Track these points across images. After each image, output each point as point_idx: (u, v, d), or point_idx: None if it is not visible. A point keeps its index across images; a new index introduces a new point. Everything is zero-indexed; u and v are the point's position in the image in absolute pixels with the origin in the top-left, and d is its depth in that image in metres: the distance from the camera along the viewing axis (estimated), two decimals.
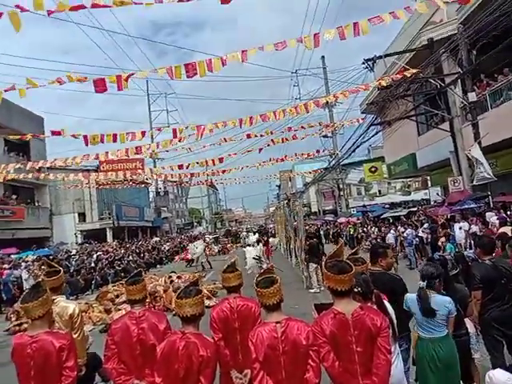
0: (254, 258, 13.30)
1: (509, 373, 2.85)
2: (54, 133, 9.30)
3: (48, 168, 27.98)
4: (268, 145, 15.34)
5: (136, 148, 10.73)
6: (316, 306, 3.37)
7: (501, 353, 4.29)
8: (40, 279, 3.55)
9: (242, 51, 6.29)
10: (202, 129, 9.37)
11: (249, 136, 14.09)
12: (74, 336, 3.69)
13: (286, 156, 19.86)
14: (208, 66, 6.18)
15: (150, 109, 44.57)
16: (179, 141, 10.79)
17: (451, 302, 3.52)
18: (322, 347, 2.66)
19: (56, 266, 4.27)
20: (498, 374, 2.85)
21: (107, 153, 11.24)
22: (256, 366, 2.64)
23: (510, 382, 2.75)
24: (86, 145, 8.45)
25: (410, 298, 3.65)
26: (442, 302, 3.50)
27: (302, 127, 15.19)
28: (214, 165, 15.85)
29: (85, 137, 8.72)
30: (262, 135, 14.02)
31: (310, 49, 6.20)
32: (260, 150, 15.64)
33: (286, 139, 14.91)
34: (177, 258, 26.99)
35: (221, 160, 15.27)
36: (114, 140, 8.89)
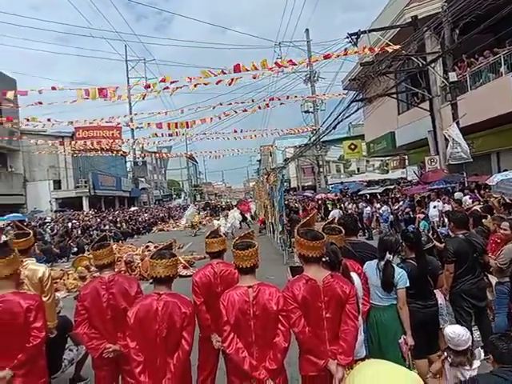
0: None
1: (463, 329, 3.09)
2: (21, 93, 8.93)
3: (21, 133, 27.13)
4: (249, 110, 15.14)
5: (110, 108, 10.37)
6: (291, 269, 3.40)
7: (468, 324, 4.47)
8: (7, 239, 3.47)
9: None
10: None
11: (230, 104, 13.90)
12: (44, 299, 3.61)
13: (268, 132, 19.72)
14: None
15: (128, 75, 43.13)
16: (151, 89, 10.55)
17: (405, 274, 3.54)
18: (293, 313, 2.68)
19: (25, 228, 4.19)
20: (451, 328, 3.04)
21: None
22: (226, 329, 2.67)
23: (465, 337, 2.97)
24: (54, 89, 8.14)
25: (369, 266, 3.61)
26: (401, 275, 3.51)
27: (279, 99, 15.12)
28: (195, 124, 15.44)
29: (53, 88, 8.36)
30: (242, 102, 13.90)
31: None
32: (244, 110, 15.31)
33: (268, 105, 14.80)
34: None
35: (203, 121, 14.95)
36: (87, 94, 8.58)
